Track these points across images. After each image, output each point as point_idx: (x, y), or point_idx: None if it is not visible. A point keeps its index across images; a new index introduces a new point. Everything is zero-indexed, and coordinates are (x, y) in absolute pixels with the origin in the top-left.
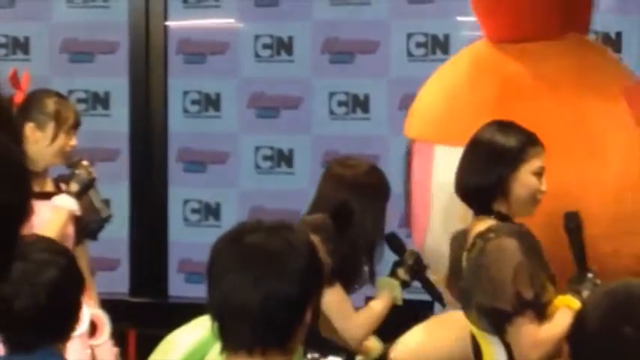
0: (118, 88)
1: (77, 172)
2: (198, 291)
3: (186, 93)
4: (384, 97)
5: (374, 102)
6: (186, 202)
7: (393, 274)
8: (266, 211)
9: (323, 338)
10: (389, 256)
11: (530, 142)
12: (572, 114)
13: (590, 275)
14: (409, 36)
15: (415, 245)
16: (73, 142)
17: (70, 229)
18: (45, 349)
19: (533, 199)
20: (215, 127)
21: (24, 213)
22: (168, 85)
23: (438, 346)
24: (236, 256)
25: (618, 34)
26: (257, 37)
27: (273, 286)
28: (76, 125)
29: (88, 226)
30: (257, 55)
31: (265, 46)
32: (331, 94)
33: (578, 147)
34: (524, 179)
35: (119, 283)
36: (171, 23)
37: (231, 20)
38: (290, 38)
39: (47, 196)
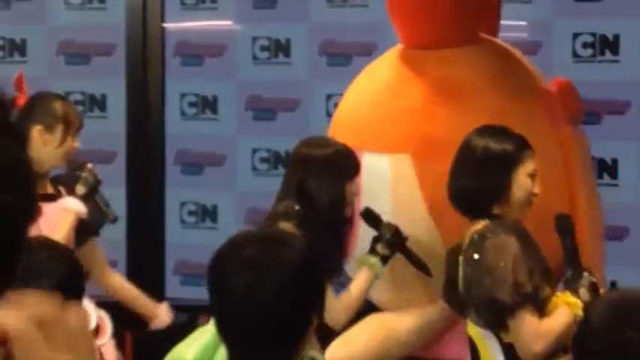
0: (115, 90)
1: (83, 175)
2: (195, 293)
3: (183, 95)
4: None
5: None
6: (183, 204)
7: (372, 250)
8: (263, 214)
9: None
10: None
11: (524, 145)
12: (491, 118)
13: (585, 274)
14: None
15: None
16: (77, 144)
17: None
18: None
19: (528, 201)
20: (212, 129)
21: (30, 215)
22: (166, 87)
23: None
24: (238, 262)
25: (616, 37)
26: (254, 39)
27: (269, 296)
28: (81, 127)
29: (92, 225)
30: (254, 58)
31: (263, 49)
32: (328, 97)
33: None
34: (522, 181)
35: None
36: (168, 25)
37: (229, 22)
38: (287, 40)
39: (49, 198)
